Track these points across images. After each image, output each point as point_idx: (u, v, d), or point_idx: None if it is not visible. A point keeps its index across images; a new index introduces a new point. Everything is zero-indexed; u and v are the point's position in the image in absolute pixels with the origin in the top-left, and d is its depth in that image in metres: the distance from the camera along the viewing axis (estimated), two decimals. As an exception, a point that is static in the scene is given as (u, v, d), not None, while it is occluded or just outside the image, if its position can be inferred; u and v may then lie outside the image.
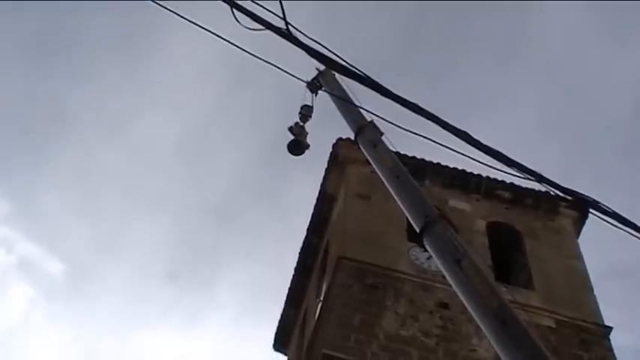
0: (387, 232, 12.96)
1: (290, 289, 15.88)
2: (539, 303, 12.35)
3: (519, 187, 14.19)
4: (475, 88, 33.98)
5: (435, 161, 14.44)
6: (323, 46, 5.71)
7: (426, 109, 5.57)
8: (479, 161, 5.47)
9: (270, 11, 5.54)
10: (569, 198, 5.71)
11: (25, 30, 31.09)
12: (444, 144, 5.62)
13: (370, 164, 6.59)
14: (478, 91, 33.49)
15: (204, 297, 36.01)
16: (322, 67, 7.58)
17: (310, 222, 15.30)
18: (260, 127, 33.85)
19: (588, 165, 33.38)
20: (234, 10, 5.53)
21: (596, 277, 13.55)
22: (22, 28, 31.05)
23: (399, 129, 5.84)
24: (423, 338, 11.28)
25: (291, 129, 8.28)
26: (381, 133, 6.56)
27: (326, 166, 14.88)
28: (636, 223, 4.94)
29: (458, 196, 14.22)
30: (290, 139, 8.29)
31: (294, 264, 15.73)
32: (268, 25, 5.62)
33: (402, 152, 10.98)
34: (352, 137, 7.15)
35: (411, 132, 5.76)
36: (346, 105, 7.23)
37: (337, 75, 7.19)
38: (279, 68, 5.86)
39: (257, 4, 5.51)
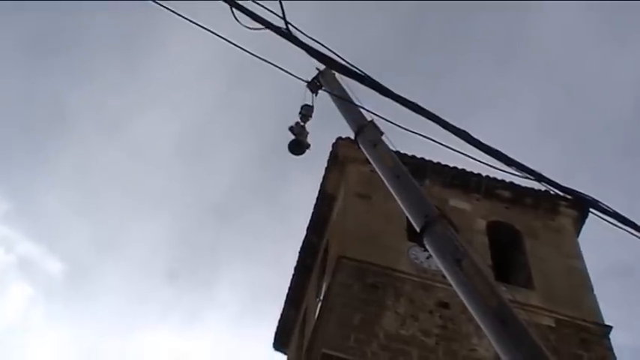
0: (386, 232, 12.96)
1: (290, 288, 15.88)
2: (539, 302, 12.36)
3: (519, 186, 14.19)
4: (475, 88, 34.01)
5: (435, 160, 14.45)
6: (323, 45, 5.72)
7: (426, 108, 5.58)
8: (479, 160, 5.48)
9: (269, 10, 5.54)
10: (569, 197, 5.71)
11: (24, 29, 31.12)
12: (444, 143, 5.62)
13: (370, 163, 6.59)
14: (478, 90, 33.52)
15: (204, 296, 36.05)
16: (322, 67, 7.58)
17: (310, 221, 15.30)
18: (259, 126, 33.89)
19: (588, 165, 33.42)
20: (234, 10, 5.53)
21: (596, 276, 13.58)
22: (22, 27, 31.09)
23: (399, 128, 5.84)
24: (423, 338, 11.28)
25: (291, 129, 8.28)
26: (381, 133, 6.55)
27: (326, 165, 14.89)
28: (636, 222, 4.94)
29: (458, 196, 14.23)
30: (291, 139, 8.29)
31: (293, 263, 15.76)
32: (268, 25, 5.62)
33: (402, 151, 11.03)
34: (352, 136, 7.15)
35: (411, 131, 5.76)
36: (346, 104, 7.23)
37: (337, 74, 7.18)
38: (279, 68, 5.86)
39: (257, 3, 5.52)
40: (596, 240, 15.67)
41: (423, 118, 5.56)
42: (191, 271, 34.83)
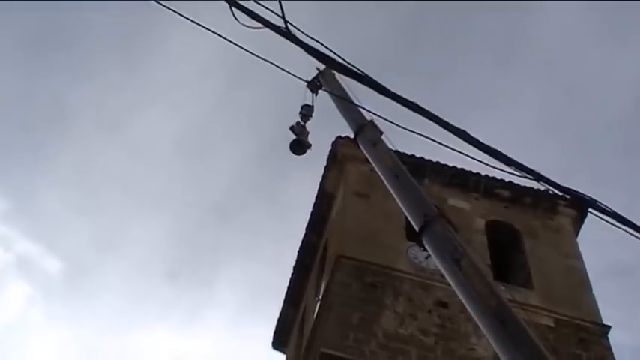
0: (385, 231, 12.96)
1: (289, 287, 15.89)
2: (537, 302, 12.37)
3: (518, 186, 14.20)
4: (475, 88, 34.02)
5: (434, 160, 14.46)
6: (322, 44, 5.72)
7: (426, 108, 5.59)
8: (478, 160, 5.48)
9: (269, 10, 5.55)
10: (568, 197, 5.72)
11: (25, 28, 31.10)
12: (443, 143, 5.63)
13: (369, 163, 6.60)
14: (478, 90, 33.53)
15: (204, 295, 36.06)
16: (322, 67, 7.58)
17: (309, 220, 15.30)
18: (259, 125, 33.88)
19: (588, 165, 33.43)
20: (234, 9, 5.53)
21: (595, 276, 13.60)
22: (22, 26, 31.07)
23: (399, 128, 5.85)
24: (422, 337, 11.29)
25: (292, 128, 8.28)
26: (381, 133, 6.56)
27: (325, 164, 14.89)
28: (635, 222, 4.95)
29: (457, 195, 14.24)
30: (291, 139, 8.29)
31: (293, 262, 15.76)
32: (267, 24, 5.63)
33: (401, 151, 11.01)
34: (351, 136, 7.16)
35: (411, 131, 5.77)
36: (346, 104, 7.24)
37: (337, 74, 7.19)
38: (279, 67, 5.87)
39: (257, 2, 5.52)
40: (595, 240, 15.69)
41: (423, 118, 5.57)
42: (190, 271, 34.87)
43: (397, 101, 5.66)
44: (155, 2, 5.18)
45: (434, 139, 5.66)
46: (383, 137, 6.54)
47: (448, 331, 11.46)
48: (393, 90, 5.68)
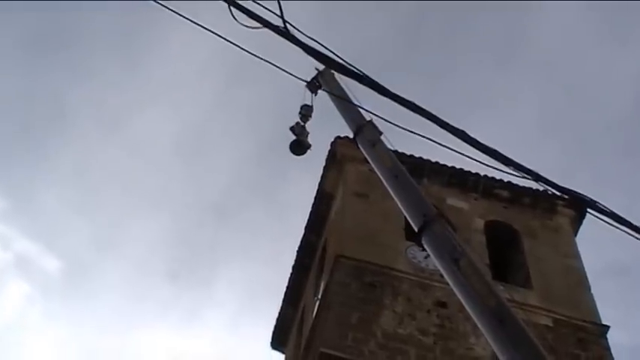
0: (384, 231, 12.97)
1: (288, 287, 15.89)
2: (536, 302, 12.37)
3: (517, 186, 14.21)
4: (475, 88, 34.04)
5: (433, 160, 14.46)
6: (320, 44, 5.73)
7: (426, 108, 5.59)
8: (477, 160, 5.49)
9: (268, 9, 5.55)
10: (567, 197, 5.72)
11: (25, 27, 31.08)
12: (442, 143, 5.64)
13: (368, 162, 6.60)
14: (478, 90, 33.54)
15: (203, 295, 36.04)
16: (321, 67, 7.58)
17: (308, 220, 15.30)
18: (258, 124, 33.90)
19: (588, 165, 33.46)
20: (232, 9, 5.53)
21: (594, 275, 13.60)
22: (22, 25, 31.06)
23: (398, 128, 5.86)
24: (421, 337, 11.29)
25: (292, 129, 8.28)
26: (380, 133, 6.56)
27: (324, 164, 14.89)
28: (633, 222, 4.96)
29: (456, 195, 14.24)
30: (291, 139, 8.29)
31: (292, 262, 15.76)
32: (266, 24, 5.63)
33: (400, 151, 11.02)
34: (350, 135, 7.17)
35: (410, 131, 5.78)
36: (345, 104, 7.24)
37: (336, 74, 7.19)
38: (278, 67, 5.87)
39: (256, 2, 5.52)
40: (593, 240, 15.71)
41: (422, 118, 5.57)
42: (189, 270, 34.89)
43: (396, 101, 5.66)
44: (154, 2, 5.19)
45: (433, 139, 5.68)
46: (382, 137, 6.54)
47: (447, 330, 11.47)
48: (392, 90, 5.69)
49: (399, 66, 31.71)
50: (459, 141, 5.49)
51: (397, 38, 34.25)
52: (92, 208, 34.19)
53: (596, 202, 5.15)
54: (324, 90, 7.95)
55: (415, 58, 34.18)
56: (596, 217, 5.10)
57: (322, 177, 14.96)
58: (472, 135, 5.47)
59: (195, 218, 36.02)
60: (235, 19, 5.57)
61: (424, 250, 5.33)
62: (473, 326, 10.48)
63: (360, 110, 6.96)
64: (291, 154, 8.33)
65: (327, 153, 14.74)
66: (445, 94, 30.91)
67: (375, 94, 5.74)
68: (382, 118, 6.19)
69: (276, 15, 5.58)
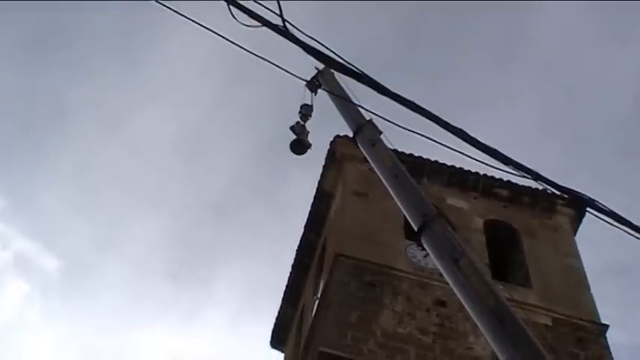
0: (384, 230, 12.97)
1: (287, 286, 15.89)
2: (536, 301, 12.38)
3: (517, 185, 14.21)
4: (475, 88, 34.05)
5: (432, 159, 14.46)
6: (320, 43, 5.72)
7: (425, 107, 5.59)
8: (476, 159, 5.49)
9: (267, 9, 5.54)
10: (566, 196, 5.72)
11: (24, 26, 31.08)
12: (441, 142, 5.63)
13: (368, 161, 6.60)
14: (478, 90, 33.55)
15: (202, 294, 36.05)
16: (321, 67, 7.58)
17: (308, 219, 15.30)
18: (257, 124, 33.91)
19: (588, 164, 33.48)
20: (232, 8, 5.53)
21: (593, 275, 13.61)
22: (21, 25, 31.05)
23: (398, 127, 5.85)
24: (420, 336, 11.29)
25: (292, 128, 8.27)
26: (380, 132, 6.56)
27: (323, 163, 14.89)
28: (633, 221, 4.96)
29: (455, 194, 14.24)
30: (291, 138, 8.29)
31: (291, 261, 15.76)
32: (265, 23, 5.62)
33: (399, 150, 11.02)
34: (350, 134, 7.16)
35: (409, 130, 5.78)
36: (345, 104, 7.23)
37: (336, 73, 7.19)
38: (278, 66, 5.86)
39: (255, 1, 5.51)
40: (593, 239, 15.72)
41: (422, 117, 5.57)
42: (189, 270, 34.89)
43: (396, 100, 5.66)
44: (154, 2, 5.18)
45: (432, 138, 5.68)
46: (382, 137, 6.54)
47: (446, 330, 11.47)
48: (392, 89, 5.69)
49: (399, 66, 31.74)
50: (458, 140, 5.49)
51: (397, 38, 34.28)
52: (92, 207, 34.22)
53: (595, 201, 5.15)
54: (323, 89, 7.95)
55: (415, 57, 34.22)
56: (596, 216, 5.11)
57: (322, 176, 14.96)
58: (472, 134, 5.47)
59: (195, 218, 36.05)
60: (235, 18, 5.57)
61: (424, 249, 5.33)
62: (472, 325, 10.49)
63: (360, 110, 6.96)
64: (291, 154, 8.33)
65: (326, 152, 14.74)
66: (445, 94, 30.94)
67: (375, 93, 5.74)
68: (382, 118, 6.19)
69: (276, 14, 5.59)
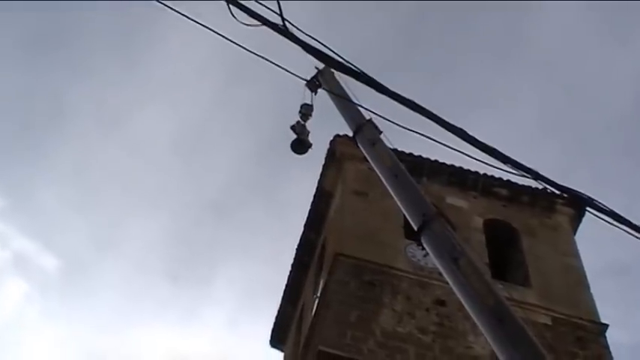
0: (384, 229, 12.97)
1: (287, 285, 15.89)
2: (535, 300, 12.38)
3: (516, 184, 14.20)
4: (475, 87, 34.05)
5: (432, 158, 14.46)
6: (319, 42, 5.71)
7: (425, 106, 5.58)
8: (476, 158, 5.49)
9: (267, 8, 5.54)
10: (566, 196, 5.73)
11: (24, 26, 31.07)
12: (441, 141, 5.63)
13: (367, 161, 6.60)
14: (478, 90, 33.56)
15: (202, 293, 36.05)
16: (321, 66, 7.58)
17: (307, 218, 15.31)
18: (257, 123, 33.91)
19: (588, 164, 33.46)
20: (232, 7, 5.52)
21: (593, 274, 13.62)
22: (21, 24, 31.05)
23: (397, 126, 5.85)
24: (420, 335, 11.30)
25: (293, 128, 8.27)
26: (380, 132, 6.56)
27: (323, 162, 14.89)
28: (632, 221, 4.96)
29: (455, 194, 14.25)
30: (291, 138, 8.29)
31: (291, 260, 15.76)
32: (265, 22, 5.62)
33: (399, 149, 11.01)
34: (350, 134, 7.16)
35: (409, 129, 5.77)
36: (345, 103, 7.23)
37: (336, 73, 7.19)
38: (278, 65, 5.86)
39: (255, 0, 5.51)
40: (592, 238, 15.72)
41: (421, 117, 5.57)
42: (188, 269, 34.89)
43: (395, 100, 5.65)
44: (154, 1, 5.18)
45: (432, 137, 5.67)
46: (382, 136, 6.53)
47: (446, 329, 11.47)
48: (392, 89, 5.68)
49: (398, 65, 31.75)
50: (458, 140, 5.49)
51: (397, 38, 34.27)
52: (91, 206, 34.22)
53: (595, 200, 5.15)
54: (323, 89, 7.95)
55: (415, 57, 34.20)
56: (596, 215, 5.11)
57: (321, 175, 14.96)
58: (471, 134, 5.47)
59: (195, 217, 36.03)
60: (235, 17, 5.56)
61: (423, 248, 5.34)
62: (472, 325, 10.49)
63: (360, 109, 6.96)
64: (291, 153, 8.33)
65: (326, 151, 14.74)
66: (445, 93, 30.94)
67: (375, 93, 5.73)
68: (382, 117, 6.19)
69: (276, 13, 5.58)
